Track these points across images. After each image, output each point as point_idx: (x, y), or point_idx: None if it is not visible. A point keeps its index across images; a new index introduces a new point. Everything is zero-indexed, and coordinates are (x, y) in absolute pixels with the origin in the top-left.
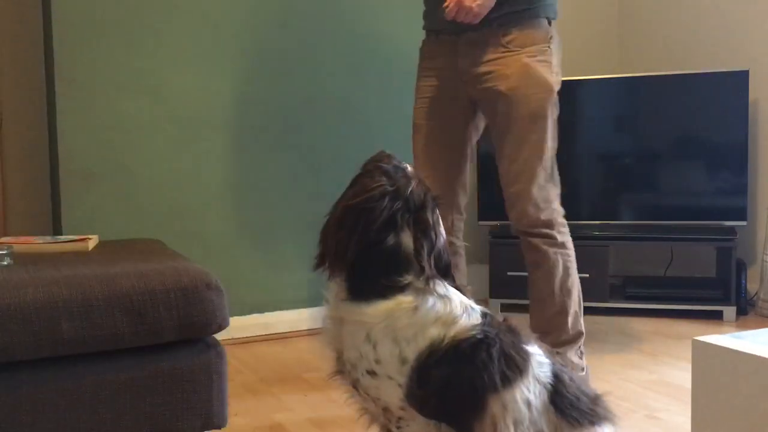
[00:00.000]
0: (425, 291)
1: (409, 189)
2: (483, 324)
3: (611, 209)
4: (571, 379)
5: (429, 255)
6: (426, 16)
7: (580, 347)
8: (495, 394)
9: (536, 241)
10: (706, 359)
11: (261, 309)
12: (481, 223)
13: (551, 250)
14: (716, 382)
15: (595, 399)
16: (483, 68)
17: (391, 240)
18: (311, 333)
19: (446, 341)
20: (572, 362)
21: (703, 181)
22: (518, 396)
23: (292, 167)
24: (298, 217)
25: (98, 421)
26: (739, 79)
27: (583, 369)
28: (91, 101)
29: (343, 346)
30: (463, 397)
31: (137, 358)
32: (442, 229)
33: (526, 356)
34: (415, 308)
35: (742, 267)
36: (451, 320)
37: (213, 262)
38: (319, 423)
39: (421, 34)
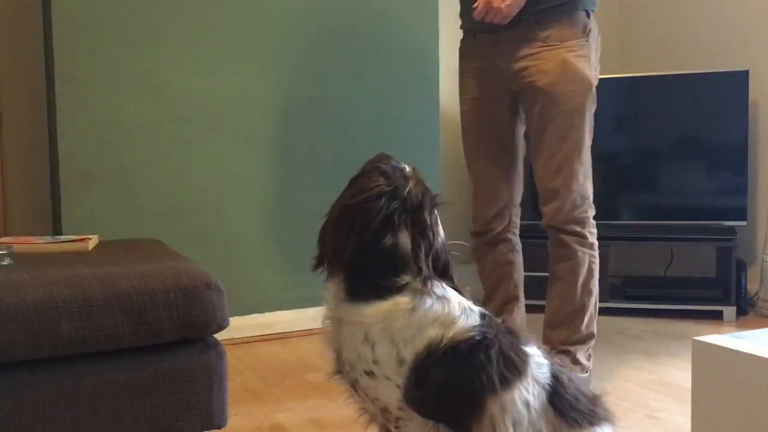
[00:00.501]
0: (423, 292)
1: (407, 189)
2: (481, 325)
3: (611, 209)
4: (569, 379)
5: (426, 255)
6: (462, 16)
7: (589, 349)
8: (493, 396)
9: (567, 238)
10: (706, 359)
11: (261, 309)
12: None
13: (580, 249)
14: (716, 382)
15: (594, 400)
16: (521, 63)
17: (388, 240)
18: (311, 333)
19: (444, 342)
20: (580, 362)
21: (703, 181)
22: (517, 397)
23: (293, 167)
24: (298, 217)
25: (98, 421)
26: (739, 79)
27: (587, 371)
28: (91, 101)
29: (342, 346)
30: (461, 399)
31: (137, 358)
32: (440, 229)
33: (524, 357)
34: (413, 309)
35: (742, 267)
36: (449, 321)
37: (213, 262)
38: (319, 423)
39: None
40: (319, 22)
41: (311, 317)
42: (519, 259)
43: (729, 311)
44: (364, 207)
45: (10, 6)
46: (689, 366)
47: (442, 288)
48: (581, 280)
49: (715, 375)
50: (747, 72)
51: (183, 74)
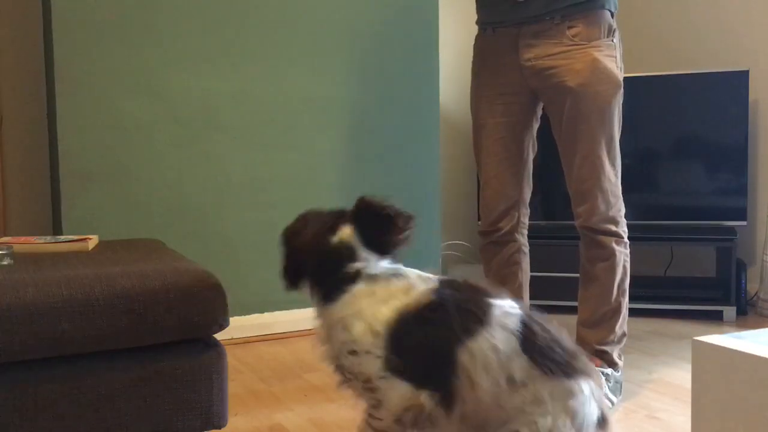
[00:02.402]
0: (376, 272)
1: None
2: (440, 287)
3: None
4: (544, 329)
5: (370, 240)
6: (482, 9)
7: (621, 348)
8: (461, 347)
9: (603, 238)
10: (706, 359)
11: (261, 309)
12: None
13: (617, 248)
14: (716, 382)
15: (573, 354)
16: (548, 62)
17: (333, 240)
18: (311, 333)
19: (409, 308)
20: (616, 362)
21: (703, 181)
22: (483, 344)
23: (292, 167)
24: None
25: (98, 420)
26: (739, 79)
27: (620, 370)
28: (91, 101)
29: (330, 343)
30: (434, 356)
31: (137, 358)
32: (387, 206)
33: (486, 308)
34: (373, 290)
35: (742, 267)
36: (408, 289)
37: (213, 262)
38: (319, 423)
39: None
40: (318, 22)
41: (311, 317)
42: (525, 261)
43: (729, 311)
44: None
45: (10, 6)
46: (689, 366)
47: (392, 263)
48: (617, 280)
49: (715, 375)
50: (747, 72)
51: (183, 74)
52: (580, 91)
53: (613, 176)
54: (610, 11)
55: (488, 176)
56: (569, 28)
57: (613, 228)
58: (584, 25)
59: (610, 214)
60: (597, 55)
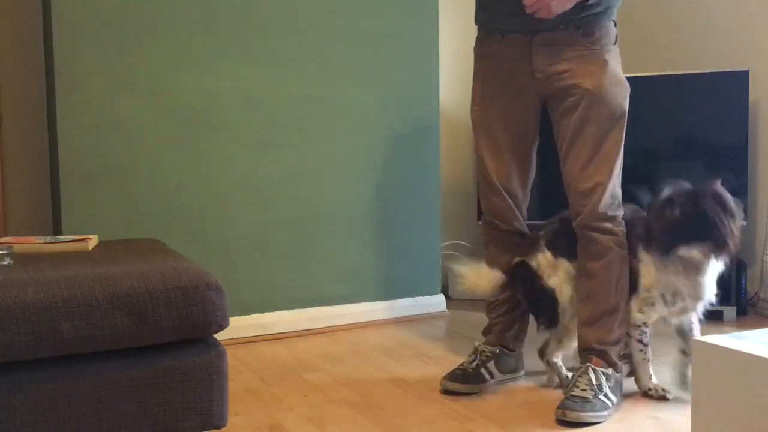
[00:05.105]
0: None
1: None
2: None
3: None
4: None
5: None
6: (489, 17)
7: (621, 348)
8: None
9: (599, 236)
10: (706, 359)
11: (261, 309)
12: (480, 223)
13: (613, 247)
14: (716, 382)
15: None
16: (561, 66)
17: None
18: (311, 333)
19: None
20: (615, 362)
21: (703, 181)
22: None
23: (292, 167)
24: (298, 217)
25: (98, 421)
26: (739, 79)
27: (621, 370)
28: (91, 101)
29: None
30: None
31: (137, 358)
32: None
33: None
34: None
35: (742, 267)
36: None
37: (213, 262)
38: (319, 423)
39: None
40: (319, 23)
41: (311, 317)
42: None
43: (729, 311)
44: None
45: (10, 6)
46: None
47: None
48: (614, 279)
49: (715, 375)
50: (747, 72)
51: (183, 74)
52: (595, 92)
53: (615, 177)
54: (614, 21)
55: (499, 175)
56: (583, 35)
57: (609, 225)
58: (597, 31)
59: (608, 213)
60: (606, 57)
